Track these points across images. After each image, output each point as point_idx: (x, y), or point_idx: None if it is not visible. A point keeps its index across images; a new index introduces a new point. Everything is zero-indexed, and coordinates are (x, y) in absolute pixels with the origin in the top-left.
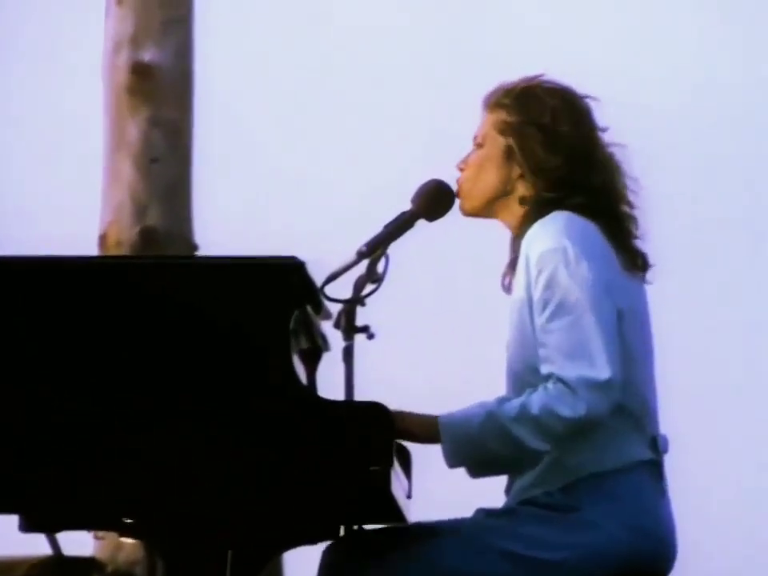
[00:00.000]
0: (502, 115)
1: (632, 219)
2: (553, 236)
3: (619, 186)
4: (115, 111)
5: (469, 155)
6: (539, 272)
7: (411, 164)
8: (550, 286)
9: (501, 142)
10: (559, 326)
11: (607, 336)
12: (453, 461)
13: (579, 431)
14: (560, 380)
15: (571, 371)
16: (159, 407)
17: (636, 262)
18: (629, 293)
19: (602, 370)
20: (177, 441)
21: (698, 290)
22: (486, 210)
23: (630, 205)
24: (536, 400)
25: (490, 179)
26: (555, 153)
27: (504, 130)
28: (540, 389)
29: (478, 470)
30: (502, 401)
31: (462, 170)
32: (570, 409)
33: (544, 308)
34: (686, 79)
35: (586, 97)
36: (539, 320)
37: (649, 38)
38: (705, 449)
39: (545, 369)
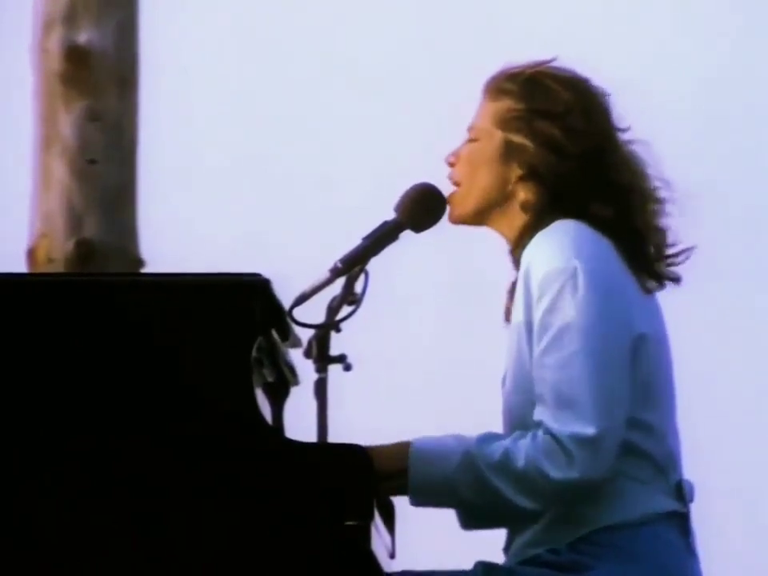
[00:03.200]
0: (505, 103)
1: (658, 231)
2: (560, 252)
3: (643, 191)
4: (46, 103)
5: (460, 147)
6: (541, 295)
7: (393, 168)
8: (551, 313)
9: (499, 136)
10: (556, 363)
11: (611, 381)
12: (416, 500)
13: (572, 494)
14: (550, 434)
15: (561, 424)
16: (91, 452)
17: (652, 286)
18: (651, 316)
19: (589, 424)
20: (115, 487)
21: (703, 300)
22: (477, 218)
23: (657, 213)
24: (522, 450)
25: (484, 181)
26: (567, 151)
27: (505, 121)
28: (529, 437)
29: (465, 519)
30: (485, 440)
31: (452, 164)
32: (559, 470)
33: (541, 337)
34: (689, 77)
35: (605, 93)
36: (537, 350)
37: (650, 35)
38: (736, 497)
39: (537, 413)
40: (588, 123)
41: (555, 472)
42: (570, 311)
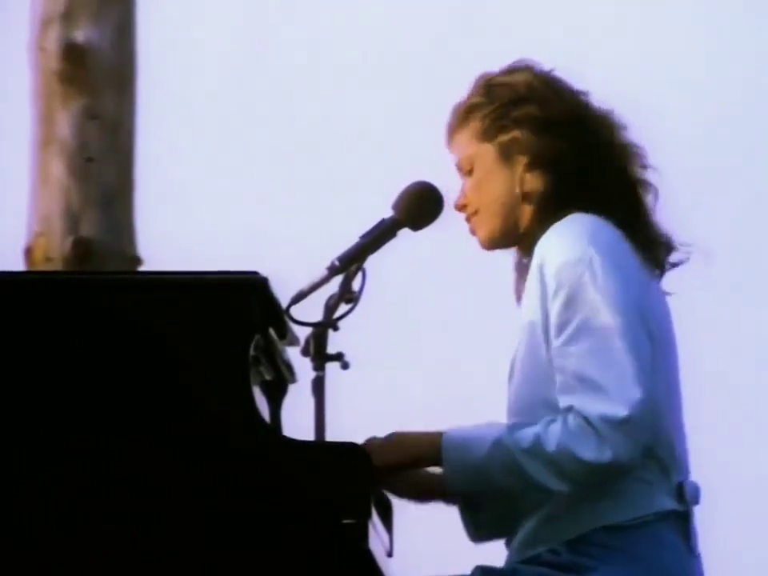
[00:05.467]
0: (477, 116)
1: (644, 196)
2: (575, 244)
3: (624, 145)
4: (44, 101)
5: (461, 189)
6: (558, 287)
7: (392, 167)
8: (572, 303)
9: (488, 149)
10: (581, 350)
11: (641, 365)
12: (452, 486)
13: (602, 478)
14: (581, 416)
15: (593, 407)
16: (86, 452)
17: (656, 253)
18: (657, 311)
19: (619, 406)
20: (114, 487)
21: (696, 303)
22: (507, 231)
23: (642, 167)
24: (553, 435)
25: (496, 191)
26: (553, 126)
27: (487, 131)
28: (559, 421)
29: (475, 531)
30: (515, 426)
31: (462, 206)
32: (592, 452)
33: (563, 329)
34: (686, 79)
35: (551, 69)
36: (556, 342)
37: (649, 36)
38: (738, 499)
39: (564, 400)
40: (556, 93)
41: (587, 454)
42: (591, 300)
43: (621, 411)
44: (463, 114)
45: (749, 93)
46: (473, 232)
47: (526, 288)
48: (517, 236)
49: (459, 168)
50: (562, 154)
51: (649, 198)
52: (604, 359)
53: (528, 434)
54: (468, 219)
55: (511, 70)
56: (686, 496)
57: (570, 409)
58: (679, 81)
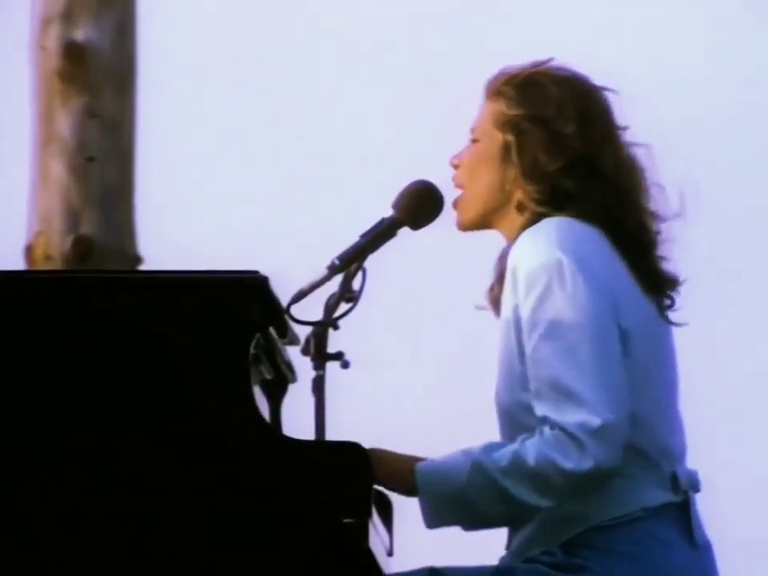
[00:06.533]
0: (501, 106)
1: (651, 234)
2: (543, 248)
3: (637, 195)
4: (44, 100)
5: (464, 150)
6: (528, 291)
7: (392, 165)
8: (540, 307)
9: (498, 138)
10: (551, 356)
11: (609, 369)
12: (432, 521)
13: (586, 487)
14: (558, 426)
15: (569, 416)
16: (86, 452)
17: (657, 285)
18: (641, 310)
19: (593, 414)
20: (114, 487)
21: (700, 302)
22: (483, 221)
23: (651, 216)
24: (531, 449)
25: (485, 182)
26: (555, 155)
27: (502, 123)
28: (536, 435)
29: (467, 527)
30: (489, 448)
31: (456, 166)
32: (573, 461)
33: (532, 334)
34: (686, 79)
35: (604, 89)
36: (528, 348)
37: (649, 36)
38: (740, 491)
39: (539, 409)
40: (581, 125)
41: (568, 463)
42: (559, 304)
43: (596, 418)
44: (495, 91)
45: (749, 93)
46: (455, 206)
47: (503, 293)
48: (491, 224)
49: (471, 130)
50: (554, 180)
51: (650, 239)
52: (573, 365)
53: (505, 452)
54: (454, 178)
55: (560, 79)
56: (681, 485)
57: (545, 420)
58: (679, 80)
